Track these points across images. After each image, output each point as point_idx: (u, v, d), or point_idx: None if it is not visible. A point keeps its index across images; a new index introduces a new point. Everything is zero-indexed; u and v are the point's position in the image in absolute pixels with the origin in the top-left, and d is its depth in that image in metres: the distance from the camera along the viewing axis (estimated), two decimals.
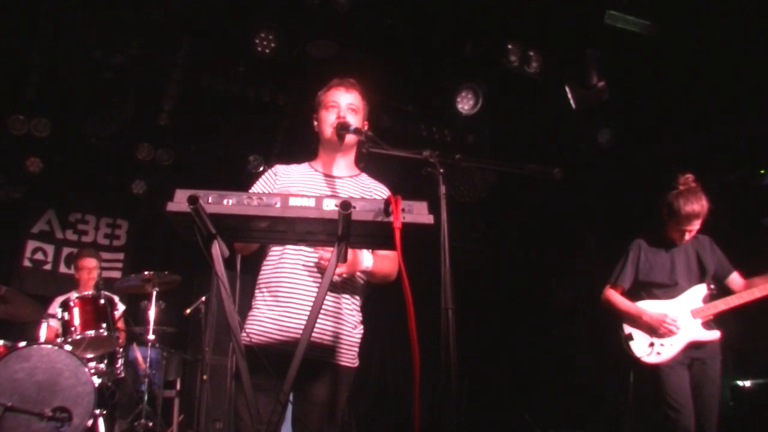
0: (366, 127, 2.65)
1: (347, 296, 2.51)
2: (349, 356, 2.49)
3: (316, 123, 2.69)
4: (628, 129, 5.93)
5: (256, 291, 2.54)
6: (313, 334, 2.31)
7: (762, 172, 5.44)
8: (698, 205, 3.58)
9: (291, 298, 2.41)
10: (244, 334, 2.43)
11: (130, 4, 4.90)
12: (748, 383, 5.16)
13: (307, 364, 2.19)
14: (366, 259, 2.49)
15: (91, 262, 5.42)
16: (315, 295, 2.39)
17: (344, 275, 2.46)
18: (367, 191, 2.64)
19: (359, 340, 2.56)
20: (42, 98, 5.61)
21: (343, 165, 2.68)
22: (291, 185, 2.56)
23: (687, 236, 3.71)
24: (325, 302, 2.39)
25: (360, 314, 2.60)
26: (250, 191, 2.57)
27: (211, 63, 5.57)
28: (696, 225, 3.65)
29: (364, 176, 2.72)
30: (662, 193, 3.70)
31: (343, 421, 2.52)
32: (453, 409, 1.94)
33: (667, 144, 5.80)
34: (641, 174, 5.86)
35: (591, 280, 4.19)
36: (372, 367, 6.83)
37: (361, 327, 2.60)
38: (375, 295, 2.73)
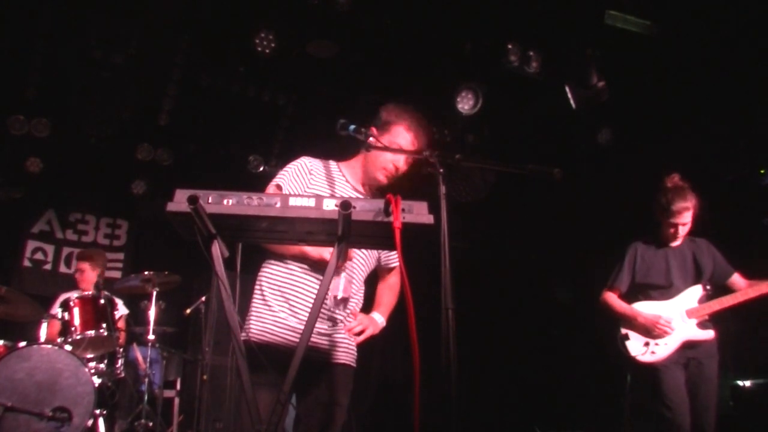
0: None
1: (356, 297, 2.54)
2: (350, 357, 2.52)
3: (372, 139, 2.48)
4: (628, 129, 5.93)
5: (258, 288, 2.53)
6: (315, 337, 2.35)
7: (762, 172, 5.44)
8: (687, 199, 3.67)
9: (298, 298, 2.42)
10: (253, 331, 2.44)
11: (130, 4, 4.90)
12: (748, 383, 5.16)
13: (308, 365, 2.19)
14: (379, 319, 2.63)
15: (82, 265, 5.39)
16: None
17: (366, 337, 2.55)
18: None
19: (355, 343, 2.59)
20: (42, 98, 5.61)
21: (367, 182, 2.68)
22: (323, 187, 2.54)
23: (680, 231, 3.75)
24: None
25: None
26: (279, 175, 2.53)
27: (211, 63, 5.57)
28: (686, 218, 3.70)
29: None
30: (654, 195, 3.78)
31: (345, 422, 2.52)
32: (453, 409, 1.94)
33: (667, 144, 5.79)
34: (641, 174, 5.85)
35: (591, 280, 4.20)
36: (372, 366, 6.83)
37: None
38: (374, 295, 2.74)
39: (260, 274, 2.56)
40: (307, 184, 2.51)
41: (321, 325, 2.39)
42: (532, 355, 6.87)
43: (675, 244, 3.83)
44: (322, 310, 2.37)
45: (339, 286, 2.32)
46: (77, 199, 7.00)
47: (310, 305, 2.33)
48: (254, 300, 2.54)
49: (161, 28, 5.07)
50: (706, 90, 5.19)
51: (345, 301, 2.34)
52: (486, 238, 7.45)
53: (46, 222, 6.91)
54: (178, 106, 5.92)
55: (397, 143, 2.55)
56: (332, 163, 2.67)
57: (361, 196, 2.62)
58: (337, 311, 2.38)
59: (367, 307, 2.71)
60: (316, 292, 2.37)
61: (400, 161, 2.57)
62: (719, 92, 5.16)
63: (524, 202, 6.96)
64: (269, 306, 2.45)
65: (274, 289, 2.48)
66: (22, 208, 6.73)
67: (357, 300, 2.58)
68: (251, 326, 2.45)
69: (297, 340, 2.28)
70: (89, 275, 5.34)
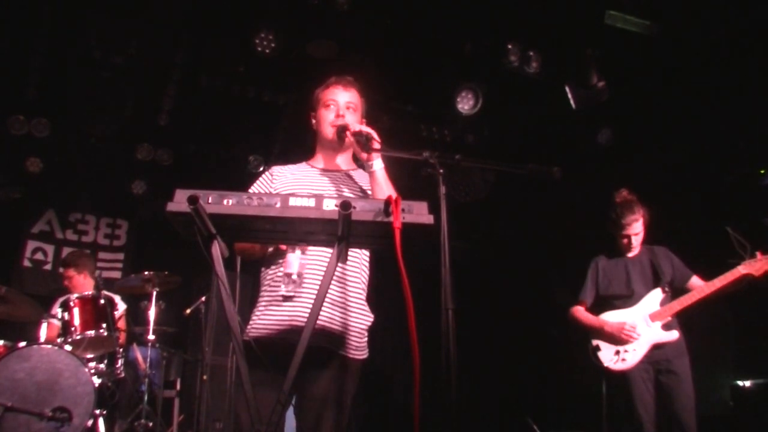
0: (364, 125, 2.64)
1: (353, 285, 2.48)
2: (354, 346, 2.44)
3: (314, 121, 2.68)
4: (628, 129, 5.93)
5: (261, 288, 2.54)
6: (320, 322, 2.29)
7: (762, 172, 5.44)
8: (635, 211, 3.88)
9: (297, 291, 2.38)
10: (252, 329, 2.42)
11: (130, 4, 4.90)
12: (748, 383, 5.16)
13: (310, 353, 2.19)
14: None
15: (68, 272, 5.38)
16: (333, 292, 2.38)
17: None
18: (365, 185, 2.61)
19: (366, 330, 2.51)
20: (42, 98, 5.61)
21: (341, 161, 2.69)
22: (287, 184, 2.55)
23: (634, 242, 3.95)
24: (331, 292, 2.37)
25: (366, 305, 2.56)
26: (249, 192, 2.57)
27: (211, 63, 5.57)
28: (637, 229, 3.92)
29: (360, 171, 2.70)
30: (605, 212, 4.00)
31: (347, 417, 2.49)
32: (453, 409, 1.94)
33: (667, 144, 5.79)
34: (641, 174, 5.85)
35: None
36: (372, 367, 6.82)
37: (370, 317, 2.55)
38: (374, 295, 2.72)
39: (263, 271, 2.56)
40: (270, 187, 2.56)
41: (327, 312, 2.35)
42: (532, 355, 6.87)
43: (632, 254, 4.02)
44: (275, 290, 2.39)
45: (291, 263, 2.30)
46: (77, 199, 7.00)
47: (311, 297, 2.33)
48: (258, 298, 2.54)
49: (161, 28, 5.08)
50: (706, 90, 5.19)
51: (299, 276, 2.32)
52: (486, 238, 7.46)
53: (46, 222, 6.90)
54: (178, 106, 5.92)
55: (331, 100, 2.61)
56: (302, 163, 2.71)
57: (337, 174, 2.62)
58: (289, 288, 2.34)
59: (378, 301, 2.64)
60: (315, 284, 2.33)
61: (339, 104, 2.59)
62: (719, 92, 5.16)
63: (524, 202, 6.95)
64: (265, 302, 2.45)
65: (268, 287, 2.49)
66: (22, 208, 6.73)
67: (361, 276, 2.51)
68: (254, 322, 2.45)
69: (298, 330, 2.28)
70: (78, 280, 5.34)
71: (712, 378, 5.14)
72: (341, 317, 2.41)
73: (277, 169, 2.66)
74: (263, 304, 2.47)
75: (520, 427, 6.48)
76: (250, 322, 2.48)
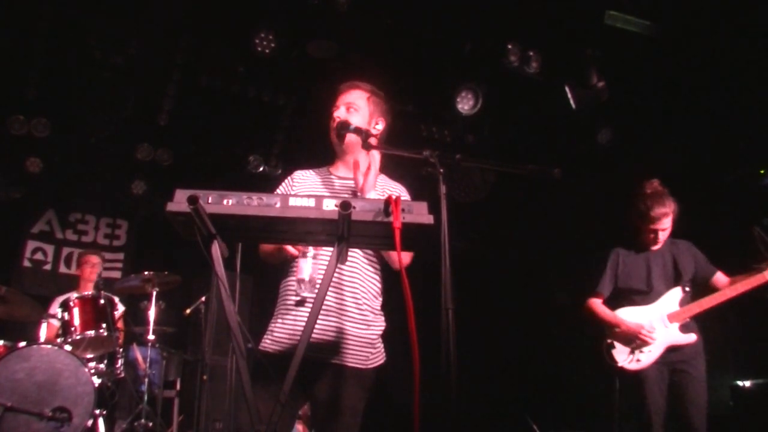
0: (381, 124, 2.65)
1: (359, 294, 2.46)
2: (358, 357, 2.42)
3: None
4: (628, 129, 5.93)
5: (278, 298, 2.55)
6: (318, 335, 2.32)
7: (762, 172, 5.44)
8: (665, 204, 3.68)
9: (304, 305, 2.39)
10: (266, 339, 2.45)
11: (130, 4, 4.90)
12: (748, 383, 5.15)
13: (311, 365, 2.20)
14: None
15: (94, 259, 5.61)
16: (332, 301, 2.38)
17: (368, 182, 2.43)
18: (381, 191, 2.60)
19: (373, 338, 2.49)
20: (42, 98, 5.61)
21: (350, 167, 2.66)
22: (305, 190, 2.57)
23: (660, 237, 3.76)
24: (332, 301, 2.38)
25: (376, 313, 2.54)
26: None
27: (211, 63, 5.58)
28: (666, 224, 3.72)
29: (381, 176, 2.68)
30: (631, 200, 3.80)
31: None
32: (453, 409, 1.94)
33: (667, 144, 5.80)
34: (641, 174, 5.85)
35: (590, 280, 4.21)
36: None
37: (377, 325, 2.53)
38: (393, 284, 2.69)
39: (280, 284, 2.58)
40: (289, 191, 2.58)
41: (324, 323, 2.35)
42: (532, 355, 6.87)
43: (655, 247, 3.84)
44: (292, 296, 2.40)
45: (303, 269, 2.29)
46: (77, 199, 7.01)
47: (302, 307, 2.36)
48: (275, 309, 2.55)
49: (161, 28, 5.08)
50: (706, 90, 5.19)
51: (311, 282, 2.31)
52: (486, 238, 7.45)
53: (46, 222, 6.91)
54: (178, 106, 5.92)
55: (335, 106, 2.62)
56: (324, 168, 2.71)
57: (347, 182, 2.61)
58: (305, 293, 2.33)
59: (388, 306, 2.63)
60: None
61: (341, 111, 2.59)
62: (719, 92, 5.16)
63: (524, 202, 6.95)
64: (281, 312, 2.47)
65: (282, 296, 2.51)
66: (22, 208, 6.74)
67: (363, 285, 2.49)
68: (266, 336, 2.47)
69: (295, 341, 2.29)
70: (95, 269, 5.48)
71: (712, 378, 5.13)
72: (336, 325, 2.39)
73: (299, 175, 2.67)
74: (278, 313, 2.49)
75: (520, 427, 6.48)
76: (266, 333, 2.48)
